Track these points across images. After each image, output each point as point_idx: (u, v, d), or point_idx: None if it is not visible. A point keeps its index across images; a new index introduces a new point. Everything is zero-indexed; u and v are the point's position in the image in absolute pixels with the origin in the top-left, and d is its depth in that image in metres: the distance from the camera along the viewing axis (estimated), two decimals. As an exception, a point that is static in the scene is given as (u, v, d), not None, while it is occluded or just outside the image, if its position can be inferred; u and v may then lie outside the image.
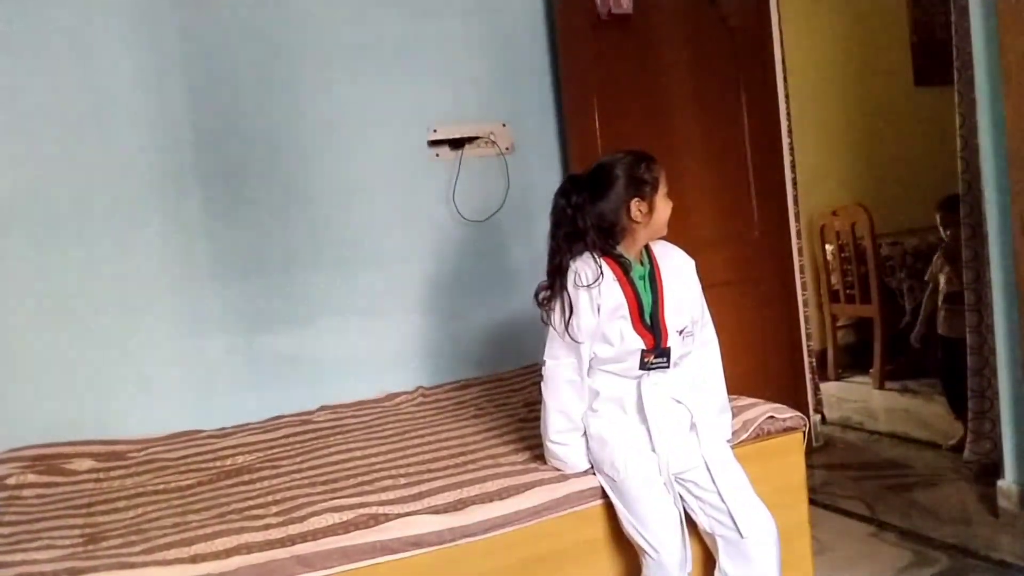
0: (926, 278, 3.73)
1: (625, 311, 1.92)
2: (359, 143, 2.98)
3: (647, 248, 2.02)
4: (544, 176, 3.26)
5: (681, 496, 1.92)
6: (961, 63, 2.96)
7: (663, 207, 1.96)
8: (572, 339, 1.92)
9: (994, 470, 2.85)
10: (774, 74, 3.55)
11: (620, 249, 1.98)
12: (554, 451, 1.98)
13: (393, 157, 3.04)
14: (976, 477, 3.08)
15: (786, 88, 3.63)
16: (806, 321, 3.68)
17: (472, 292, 3.17)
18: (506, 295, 3.21)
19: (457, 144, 3.10)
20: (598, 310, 1.91)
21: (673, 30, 3.30)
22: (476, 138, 3.13)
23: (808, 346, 3.68)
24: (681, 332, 1.97)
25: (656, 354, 1.93)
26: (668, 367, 1.94)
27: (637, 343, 1.92)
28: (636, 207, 1.94)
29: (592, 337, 1.93)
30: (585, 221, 1.94)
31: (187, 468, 2.32)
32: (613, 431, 1.93)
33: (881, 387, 4.43)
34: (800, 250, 3.73)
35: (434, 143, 3.09)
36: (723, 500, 1.87)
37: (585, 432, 1.98)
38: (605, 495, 1.93)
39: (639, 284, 1.96)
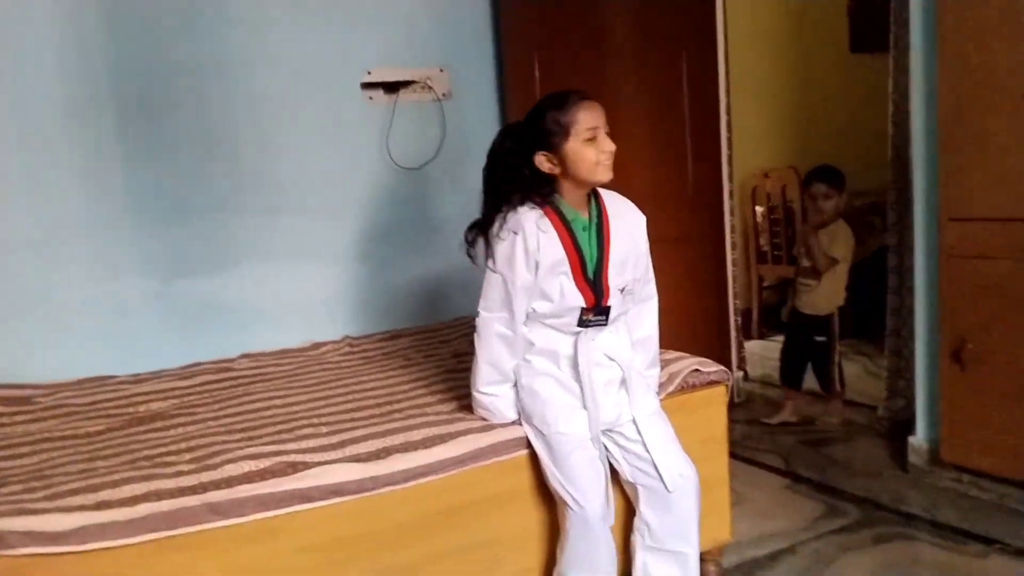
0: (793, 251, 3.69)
1: (566, 267, 1.85)
2: (289, 83, 2.86)
3: (597, 199, 1.93)
4: (481, 124, 3.20)
5: (606, 446, 1.92)
6: (898, 29, 2.99)
7: (582, 152, 1.80)
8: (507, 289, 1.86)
9: (906, 427, 2.95)
10: (714, 35, 3.54)
11: (558, 199, 1.88)
12: (482, 401, 1.95)
13: (324, 99, 2.93)
14: (889, 433, 3.19)
15: (726, 49, 3.62)
16: (734, 280, 3.73)
17: (404, 241, 3.11)
18: (439, 245, 3.15)
19: (392, 88, 3.01)
20: (536, 267, 1.84)
21: (616, -19, 3.24)
22: (412, 82, 3.03)
23: (734, 305, 3.74)
24: (623, 290, 1.92)
25: (596, 312, 1.87)
26: (606, 324, 1.90)
27: (577, 300, 1.86)
28: (541, 160, 1.84)
29: (529, 292, 1.87)
30: (516, 170, 1.87)
31: (97, 414, 2.22)
32: (545, 385, 1.90)
33: (802, 347, 4.53)
34: (732, 210, 3.76)
35: (368, 86, 2.98)
36: (648, 452, 1.88)
37: (516, 383, 1.95)
38: (530, 445, 1.92)
39: (582, 237, 1.88)
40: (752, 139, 4.69)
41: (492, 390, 1.94)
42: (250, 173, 2.83)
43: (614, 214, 1.94)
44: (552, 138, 1.81)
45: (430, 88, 3.07)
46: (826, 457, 3.07)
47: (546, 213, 1.86)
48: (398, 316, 3.09)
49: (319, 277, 2.98)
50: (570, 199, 1.89)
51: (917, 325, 2.80)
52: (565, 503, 1.84)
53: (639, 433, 1.90)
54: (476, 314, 1.95)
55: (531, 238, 1.83)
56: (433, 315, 3.13)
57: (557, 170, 1.85)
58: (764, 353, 4.46)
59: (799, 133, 5.09)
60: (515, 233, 1.84)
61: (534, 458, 1.92)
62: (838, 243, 3.32)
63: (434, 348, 2.75)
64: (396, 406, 2.13)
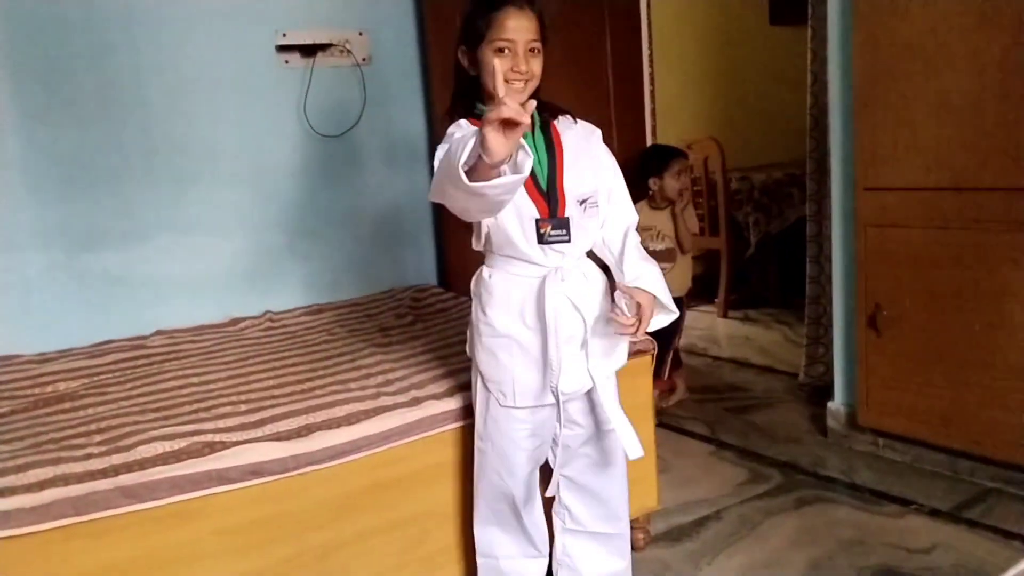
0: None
1: None
2: (199, 43, 2.71)
3: (543, 116, 1.73)
4: (403, 91, 3.12)
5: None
6: (815, 0, 3.02)
7: (490, 62, 1.58)
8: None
9: (825, 393, 3.03)
10: (637, 4, 3.52)
11: (485, 108, 1.67)
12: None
13: (238, 61, 2.79)
14: (808, 399, 3.28)
15: (649, 18, 3.63)
16: (658, 251, 3.76)
17: (325, 211, 3.01)
18: (362, 215, 3.08)
19: (309, 51, 2.89)
20: None
21: (540, -54, 3.18)
22: (330, 45, 2.92)
23: (660, 275, 3.77)
24: (583, 203, 1.71)
25: (554, 225, 1.67)
26: (568, 240, 1.69)
27: (530, 210, 1.66)
28: (460, 55, 1.69)
29: None
30: (454, 74, 1.73)
31: (0, 396, 2.10)
32: (507, 350, 1.72)
33: (725, 316, 4.64)
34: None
35: (283, 48, 2.86)
36: (603, 423, 1.81)
37: (472, 338, 1.80)
38: (458, 419, 1.88)
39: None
40: (674, 109, 4.73)
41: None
42: (160, 139, 2.68)
43: (565, 128, 1.76)
44: (471, 36, 1.66)
45: (349, 52, 2.96)
46: (749, 424, 3.14)
47: (475, 124, 1.63)
48: (321, 290, 3.00)
49: (237, 249, 2.86)
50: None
51: (835, 292, 2.87)
52: (484, 474, 1.80)
53: (592, 400, 1.79)
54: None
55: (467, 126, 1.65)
56: (358, 288, 3.05)
57: (472, 72, 1.69)
58: (688, 323, 4.51)
59: (720, 104, 5.16)
60: (449, 132, 1.65)
61: (461, 432, 1.89)
62: (694, 222, 3.39)
63: (359, 322, 2.69)
64: (319, 382, 2.06)
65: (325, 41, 2.90)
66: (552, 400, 1.75)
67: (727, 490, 2.60)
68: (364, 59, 3.01)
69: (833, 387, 2.91)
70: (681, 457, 2.85)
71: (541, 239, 1.67)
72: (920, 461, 2.64)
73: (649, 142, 3.65)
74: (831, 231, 2.87)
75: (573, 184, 1.71)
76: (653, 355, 2.22)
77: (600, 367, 1.77)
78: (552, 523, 1.91)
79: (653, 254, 2.92)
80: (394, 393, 1.94)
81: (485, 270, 1.77)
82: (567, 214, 1.69)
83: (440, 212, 3.07)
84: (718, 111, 5.14)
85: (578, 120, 1.81)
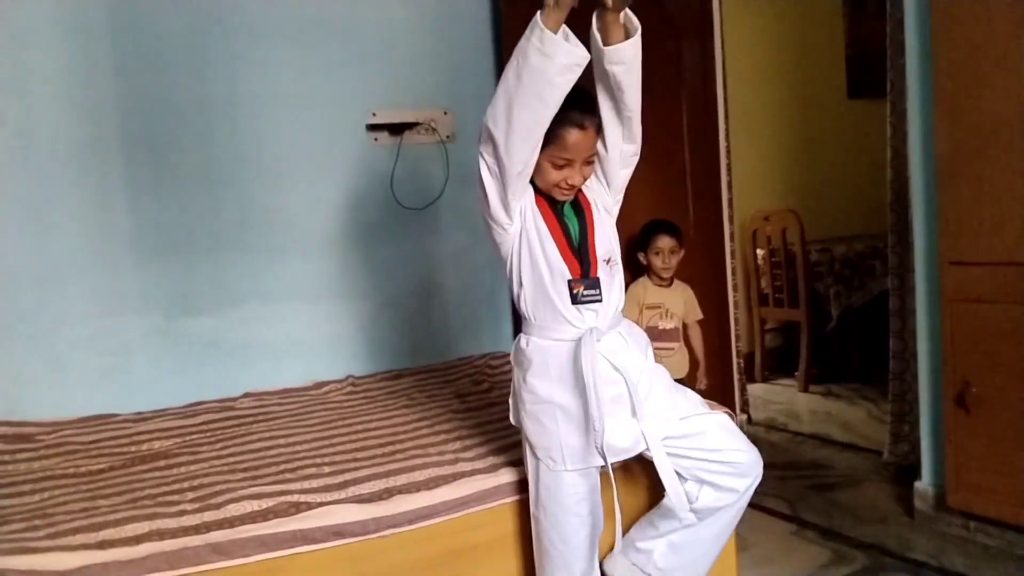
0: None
1: (548, 236, 1.75)
2: (295, 123, 2.90)
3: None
4: (484, 167, 3.23)
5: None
6: (894, 74, 3.04)
7: (547, 168, 1.72)
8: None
9: (911, 472, 2.93)
10: (714, 78, 3.59)
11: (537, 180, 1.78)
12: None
13: (330, 139, 2.97)
14: (894, 479, 3.17)
15: (725, 92, 3.68)
16: (735, 323, 3.74)
17: (407, 281, 3.12)
18: (442, 285, 3.17)
19: (397, 129, 3.05)
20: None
21: (618, 27, 3.30)
22: (416, 124, 3.07)
23: (736, 347, 3.74)
24: (608, 262, 1.80)
25: (586, 285, 1.75)
26: (601, 300, 1.76)
27: (562, 270, 1.75)
28: None
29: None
30: None
31: (99, 452, 2.21)
32: (552, 416, 1.76)
33: (806, 390, 4.53)
34: (732, 253, 3.78)
35: (373, 127, 3.02)
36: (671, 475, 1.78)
37: (516, 407, 1.85)
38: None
39: (558, 210, 1.79)
40: (752, 182, 4.74)
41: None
42: (255, 211, 2.85)
43: (588, 192, 1.85)
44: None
45: (434, 130, 3.11)
46: (832, 502, 3.04)
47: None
48: (401, 356, 3.09)
49: (322, 316, 2.98)
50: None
51: (920, 369, 2.79)
52: (541, 544, 1.81)
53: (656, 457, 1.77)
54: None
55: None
56: (436, 355, 3.13)
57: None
58: (767, 397, 4.46)
59: (798, 177, 5.14)
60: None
61: (538, 500, 1.91)
62: (695, 303, 3.15)
63: (437, 388, 2.75)
64: (399, 446, 2.12)
65: (412, 120, 3.06)
66: (600, 462, 1.75)
67: (809, 571, 2.51)
68: (448, 136, 3.14)
69: (920, 466, 2.81)
70: (761, 535, 2.78)
71: (575, 299, 1.74)
72: (1015, 546, 2.51)
73: (726, 213, 3.67)
74: (915, 306, 2.82)
75: (601, 244, 1.79)
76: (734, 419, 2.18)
77: (653, 428, 1.77)
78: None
79: (661, 333, 2.94)
80: (472, 459, 1.97)
81: (523, 338, 1.83)
82: (598, 275, 1.77)
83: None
84: (797, 183, 5.12)
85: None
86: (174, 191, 2.74)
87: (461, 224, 3.19)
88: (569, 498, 1.77)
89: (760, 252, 4.81)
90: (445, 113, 3.14)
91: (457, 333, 3.21)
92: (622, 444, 1.76)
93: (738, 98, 4.11)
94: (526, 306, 1.80)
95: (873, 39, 4.61)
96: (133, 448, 2.25)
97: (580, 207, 1.83)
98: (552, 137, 1.70)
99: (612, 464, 1.75)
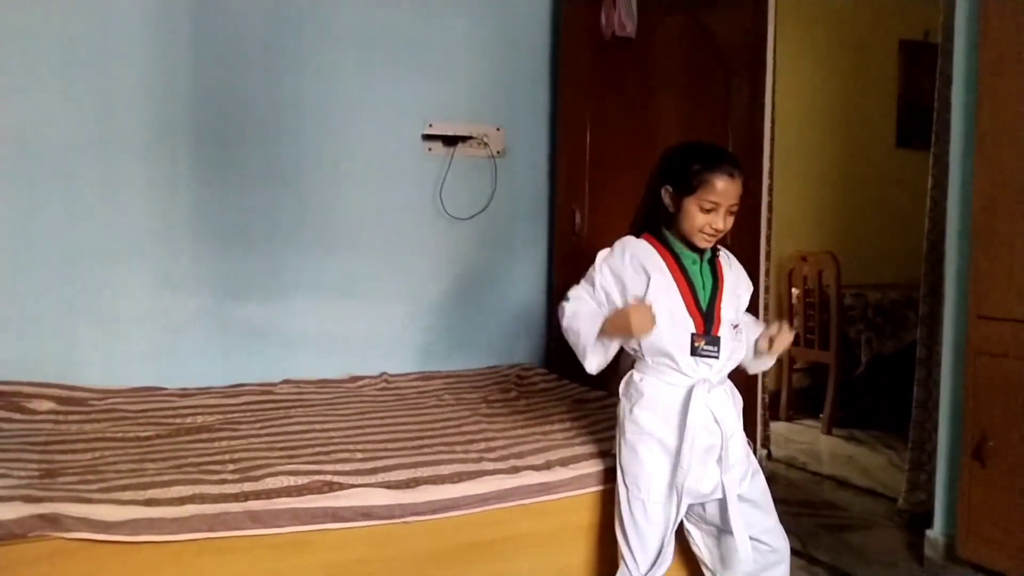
0: None
1: (675, 291, 1.88)
2: (356, 128, 3.04)
3: (712, 250, 1.97)
4: (530, 183, 3.35)
5: (683, 521, 1.98)
6: (939, 128, 3.09)
7: (693, 214, 1.85)
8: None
9: (925, 520, 2.95)
10: (762, 115, 3.65)
11: (669, 236, 1.93)
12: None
13: (386, 146, 3.10)
14: (908, 525, 3.19)
15: (772, 132, 3.74)
16: (764, 359, 3.78)
17: (447, 287, 3.23)
18: (479, 294, 3.28)
19: (450, 141, 3.17)
20: (619, 283, 1.91)
21: (672, 59, 3.39)
22: (470, 138, 3.20)
23: (763, 384, 3.79)
24: (735, 327, 1.93)
25: (707, 341, 1.86)
26: (718, 357, 1.87)
27: (687, 324, 1.86)
28: (664, 192, 1.90)
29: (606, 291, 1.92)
30: (650, 186, 1.94)
31: (147, 421, 2.35)
32: (648, 448, 1.89)
33: (829, 432, 4.54)
34: (767, 290, 3.83)
35: (428, 137, 3.15)
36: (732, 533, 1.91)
37: (617, 437, 1.98)
38: (552, 491, 1.99)
39: (692, 269, 1.91)
40: (793, 221, 4.79)
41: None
42: (311, 208, 2.99)
43: (724, 259, 1.99)
44: (681, 182, 1.87)
45: (486, 145, 3.23)
46: (844, 543, 3.07)
47: (652, 244, 1.92)
48: (434, 358, 3.20)
49: (363, 314, 3.10)
50: (678, 237, 1.93)
51: (941, 419, 2.83)
52: (623, 558, 1.92)
53: (724, 511, 1.91)
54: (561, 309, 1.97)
55: (625, 255, 1.91)
56: (469, 360, 3.23)
57: (671, 210, 1.90)
58: (790, 435, 4.48)
59: (839, 220, 5.17)
60: (611, 249, 1.95)
61: (557, 504, 2.00)
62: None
63: (466, 392, 2.84)
64: (427, 442, 2.22)
65: (466, 134, 3.19)
66: (677, 500, 1.89)
67: (813, 605, 2.56)
68: (499, 152, 3.26)
69: (933, 515, 2.84)
70: (769, 566, 2.82)
71: (694, 351, 1.87)
72: (1022, 602, 2.53)
73: (763, 251, 3.72)
74: (941, 356, 2.85)
75: (728, 311, 1.92)
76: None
77: (733, 482, 1.91)
78: None
79: None
80: (495, 460, 2.07)
81: (636, 374, 1.95)
82: (720, 334, 1.89)
83: (553, 299, 3.24)
84: (837, 226, 5.15)
85: (732, 259, 2.04)
86: (236, 183, 2.88)
87: (503, 238, 3.30)
88: (646, 526, 1.90)
89: (795, 291, 4.85)
90: (498, 129, 3.26)
91: (490, 342, 3.31)
92: (704, 489, 1.90)
93: (785, 137, 4.16)
94: (643, 348, 1.92)
95: (925, 91, 4.65)
96: (178, 420, 2.38)
97: (715, 269, 1.95)
98: (702, 183, 1.84)
99: (689, 503, 1.90)
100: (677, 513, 1.90)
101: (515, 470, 2.01)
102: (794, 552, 2.99)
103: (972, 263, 2.61)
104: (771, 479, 3.71)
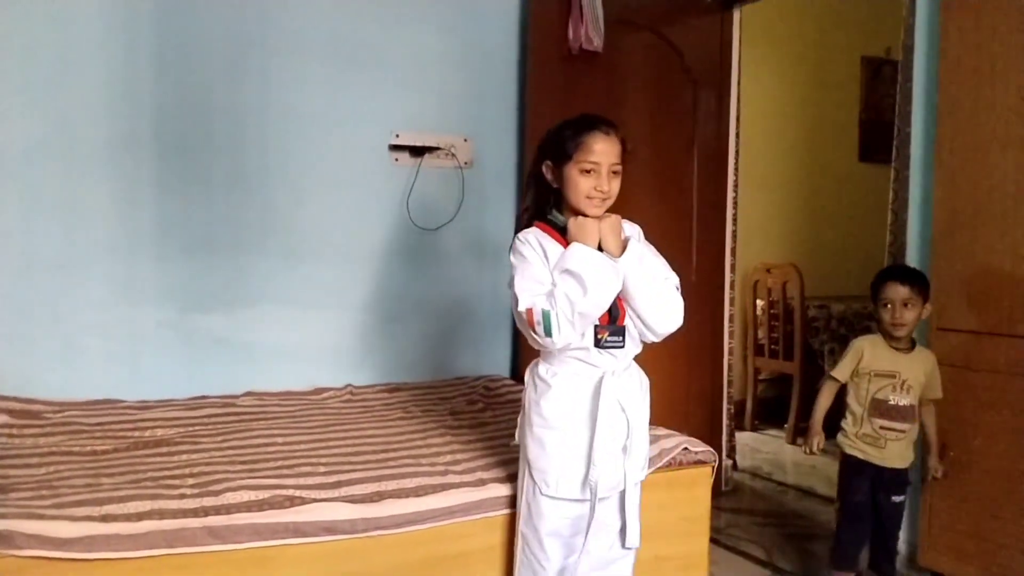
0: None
1: None
2: (322, 138, 3.01)
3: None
4: (497, 194, 3.34)
5: None
6: (900, 143, 3.15)
7: (576, 180, 1.79)
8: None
9: (887, 529, 2.98)
10: (727, 129, 3.70)
11: (556, 214, 1.87)
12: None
13: (353, 156, 3.07)
14: (870, 535, 3.22)
15: (737, 144, 3.79)
16: (729, 370, 3.81)
17: (413, 298, 3.21)
18: (446, 305, 3.26)
19: (418, 152, 3.16)
20: (546, 257, 1.81)
21: (638, 74, 3.42)
22: (437, 148, 3.19)
23: (729, 394, 3.82)
24: None
25: (612, 332, 1.82)
26: (623, 347, 1.84)
27: None
28: (545, 169, 1.86)
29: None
30: (534, 170, 1.90)
31: (104, 434, 2.30)
32: (555, 442, 1.83)
33: (793, 442, 4.59)
34: (732, 301, 3.87)
35: (395, 148, 3.13)
36: (624, 517, 1.90)
37: (523, 427, 1.91)
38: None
39: None
40: (758, 234, 4.84)
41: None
42: (275, 218, 2.95)
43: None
44: (558, 151, 1.83)
45: (453, 155, 3.22)
46: (808, 553, 3.10)
47: (547, 232, 1.85)
48: (400, 370, 3.17)
49: (328, 324, 3.07)
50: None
51: (903, 428, 2.86)
52: (526, 561, 1.88)
53: (621, 500, 1.88)
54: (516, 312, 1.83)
55: (529, 242, 1.84)
56: (434, 372, 3.21)
57: (555, 185, 1.86)
58: (755, 445, 4.52)
59: (804, 232, 5.25)
60: (515, 242, 1.87)
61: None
62: (938, 377, 2.54)
63: (433, 404, 2.83)
64: (392, 454, 2.20)
65: (433, 144, 3.17)
66: (588, 495, 1.83)
67: (778, 615, 2.57)
68: (466, 163, 3.25)
69: (895, 525, 2.87)
70: (734, 576, 2.84)
71: (598, 343, 1.82)
72: (981, 610, 2.56)
73: (728, 262, 3.75)
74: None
75: None
76: (713, 467, 2.28)
77: (633, 471, 1.88)
78: None
79: (892, 409, 2.49)
80: (461, 473, 2.05)
81: (542, 365, 1.90)
82: (625, 323, 1.85)
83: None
84: (802, 238, 5.22)
85: (636, 228, 1.96)
86: (199, 192, 2.84)
87: (469, 248, 3.29)
88: (555, 522, 1.85)
89: (760, 303, 4.90)
90: (465, 140, 3.26)
91: (456, 353, 3.29)
92: (611, 481, 1.85)
93: (750, 151, 4.21)
94: None
95: (887, 106, 4.75)
96: (136, 433, 2.33)
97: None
98: (578, 145, 1.79)
99: (599, 498, 1.83)
100: (592, 511, 1.83)
101: (481, 483, 2.00)
102: (757, 560, 3.03)
103: (932, 276, 2.65)
104: (736, 489, 3.78)
